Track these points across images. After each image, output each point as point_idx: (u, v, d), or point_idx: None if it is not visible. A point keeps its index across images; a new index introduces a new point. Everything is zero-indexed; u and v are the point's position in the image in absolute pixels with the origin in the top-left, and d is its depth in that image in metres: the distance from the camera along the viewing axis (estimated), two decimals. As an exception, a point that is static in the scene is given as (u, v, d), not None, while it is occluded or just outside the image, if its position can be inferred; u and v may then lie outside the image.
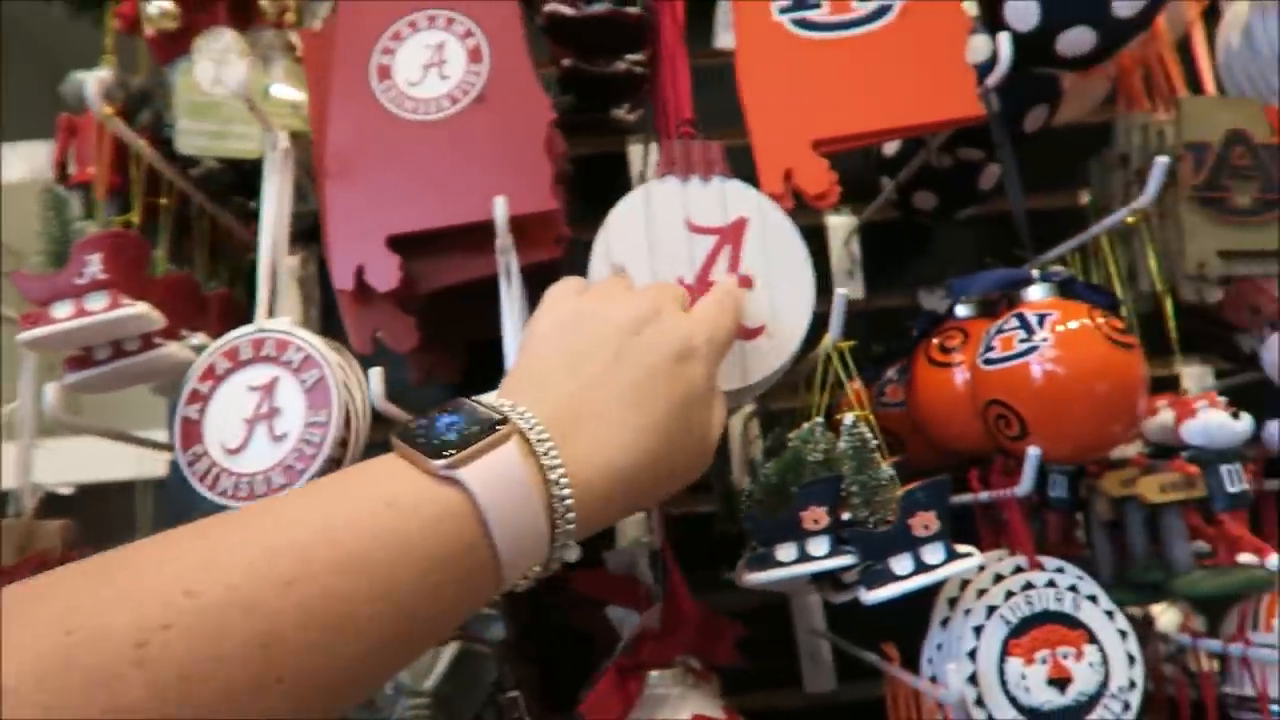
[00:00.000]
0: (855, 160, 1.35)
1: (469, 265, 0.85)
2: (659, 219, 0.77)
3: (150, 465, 1.01)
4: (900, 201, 1.17)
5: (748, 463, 1.21)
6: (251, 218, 1.06)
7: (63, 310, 0.72)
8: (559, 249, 0.88)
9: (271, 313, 0.82)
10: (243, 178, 1.06)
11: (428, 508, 0.39)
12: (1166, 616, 0.98)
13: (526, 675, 0.94)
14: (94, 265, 0.72)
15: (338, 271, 0.82)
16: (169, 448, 0.95)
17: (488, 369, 0.84)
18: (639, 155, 1.30)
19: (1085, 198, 1.24)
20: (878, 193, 1.21)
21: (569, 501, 0.44)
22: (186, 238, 0.96)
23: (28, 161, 1.40)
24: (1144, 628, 0.92)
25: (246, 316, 0.82)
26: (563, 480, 0.44)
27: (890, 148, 1.17)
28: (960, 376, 0.85)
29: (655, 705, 0.71)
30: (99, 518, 0.91)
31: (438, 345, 1.03)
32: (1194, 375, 1.33)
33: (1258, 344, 0.99)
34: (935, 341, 0.88)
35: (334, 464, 0.77)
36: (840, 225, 1.32)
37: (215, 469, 0.76)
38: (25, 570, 0.78)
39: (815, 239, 1.33)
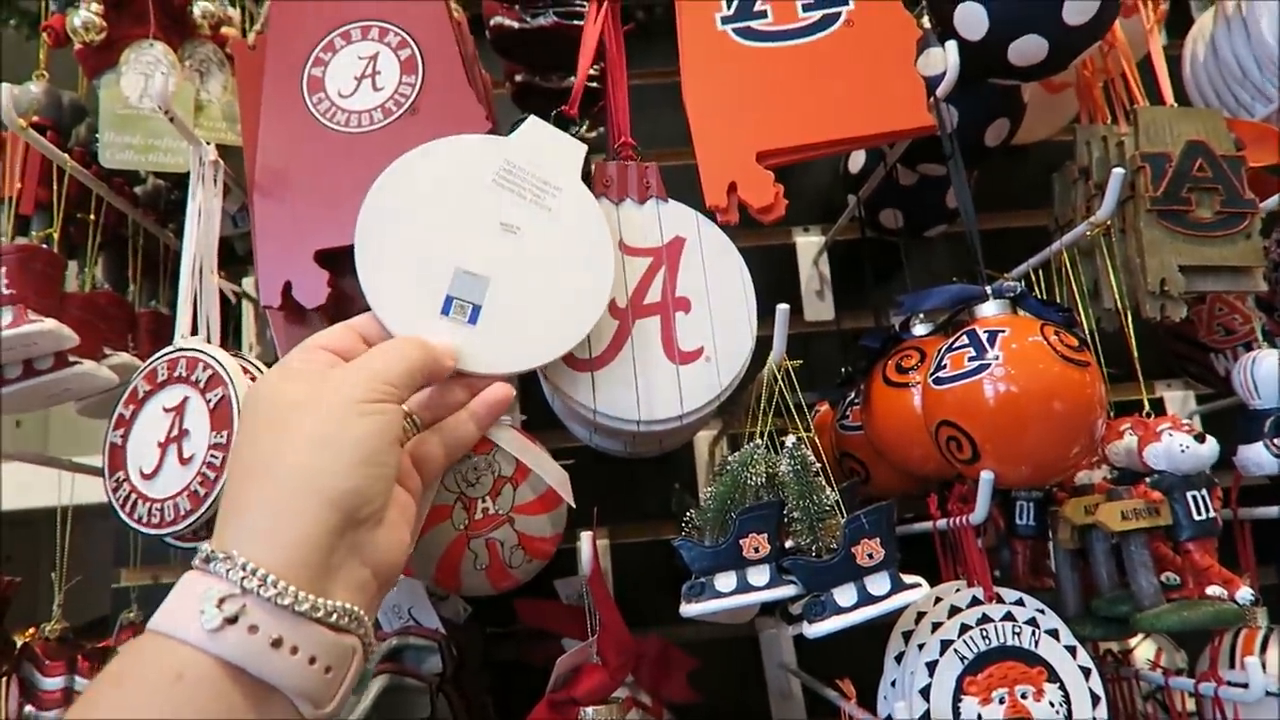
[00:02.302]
0: (825, 178, 1.33)
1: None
2: None
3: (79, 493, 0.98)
4: (868, 220, 1.14)
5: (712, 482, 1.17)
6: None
7: (846, 596, 0.68)
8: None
9: (195, 330, 0.78)
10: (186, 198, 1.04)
11: (206, 676, 0.41)
12: (1140, 650, 0.94)
13: (479, 706, 0.90)
14: (-1, 280, 0.69)
15: (265, 288, 0.79)
16: (92, 470, 0.92)
17: None
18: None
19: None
20: (839, 213, 1.18)
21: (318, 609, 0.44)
22: (121, 255, 0.93)
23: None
24: (1120, 663, 0.87)
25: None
26: (301, 596, 0.43)
27: (855, 164, 1.15)
28: (919, 397, 0.81)
29: (586, 745, 0.67)
30: (22, 547, 0.87)
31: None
32: (1176, 400, 1.29)
33: (1230, 365, 0.95)
34: (892, 361, 0.84)
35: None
36: (809, 245, 1.29)
37: (134, 495, 0.72)
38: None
39: (784, 259, 1.30)
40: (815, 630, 0.65)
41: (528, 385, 1.20)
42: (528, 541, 0.70)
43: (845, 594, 0.65)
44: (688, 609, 0.67)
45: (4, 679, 0.78)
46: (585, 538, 0.67)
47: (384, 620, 0.87)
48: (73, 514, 1.11)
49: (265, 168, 0.80)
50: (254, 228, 0.81)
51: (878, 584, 0.65)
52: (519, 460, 0.70)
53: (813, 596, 0.66)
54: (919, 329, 0.87)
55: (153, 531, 0.71)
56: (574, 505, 0.72)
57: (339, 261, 0.80)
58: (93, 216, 0.85)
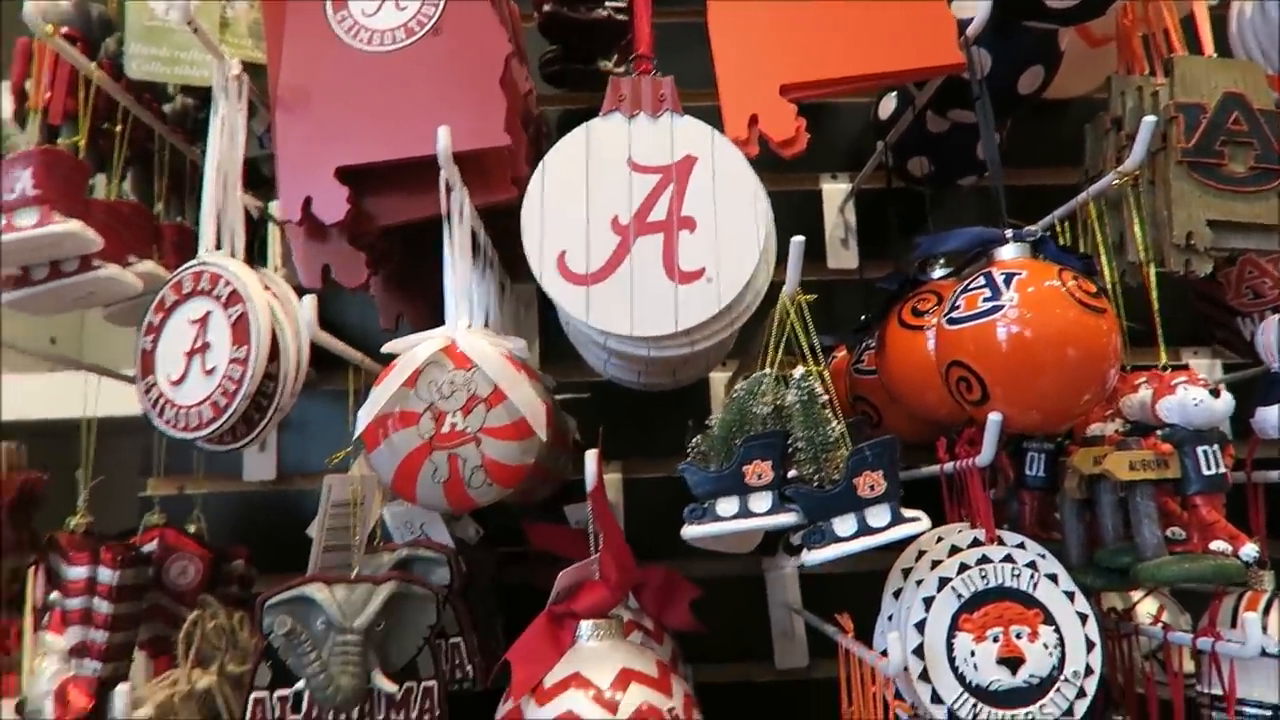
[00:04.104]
0: (855, 125, 1.31)
1: (421, 203, 0.82)
2: (599, 157, 0.74)
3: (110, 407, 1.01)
4: (896, 168, 1.13)
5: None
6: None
7: (845, 525, 0.69)
8: (515, 190, 0.85)
9: (219, 246, 0.79)
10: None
11: None
12: (1142, 608, 0.94)
13: (488, 623, 0.92)
14: (24, 181, 0.71)
15: (285, 202, 0.80)
16: (114, 375, 0.94)
17: None
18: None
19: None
20: (867, 158, 1.16)
21: None
22: (148, 170, 0.94)
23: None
24: (1121, 620, 0.87)
25: None
26: None
27: (886, 110, 1.13)
28: (932, 341, 0.81)
29: (585, 657, 0.68)
30: (56, 458, 0.90)
31: (402, 291, 1.01)
32: (1203, 367, 1.27)
33: (1255, 328, 0.94)
34: (909, 304, 0.84)
35: (263, 399, 0.75)
36: (835, 192, 1.27)
37: (163, 400, 0.74)
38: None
39: (810, 205, 1.28)
40: (813, 558, 0.66)
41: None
42: (491, 465, 0.69)
43: (845, 524, 0.66)
44: (688, 531, 0.68)
45: (32, 568, 0.81)
46: (590, 455, 0.67)
47: (395, 534, 0.89)
48: (103, 427, 1.14)
49: (288, 84, 0.81)
50: (275, 143, 0.81)
51: (878, 516, 0.66)
52: (497, 384, 0.70)
53: (813, 525, 0.67)
54: (937, 273, 0.86)
55: (180, 435, 0.73)
56: (544, 439, 0.72)
57: (359, 179, 0.80)
58: (119, 127, 0.86)
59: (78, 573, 0.79)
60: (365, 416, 0.67)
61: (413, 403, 0.68)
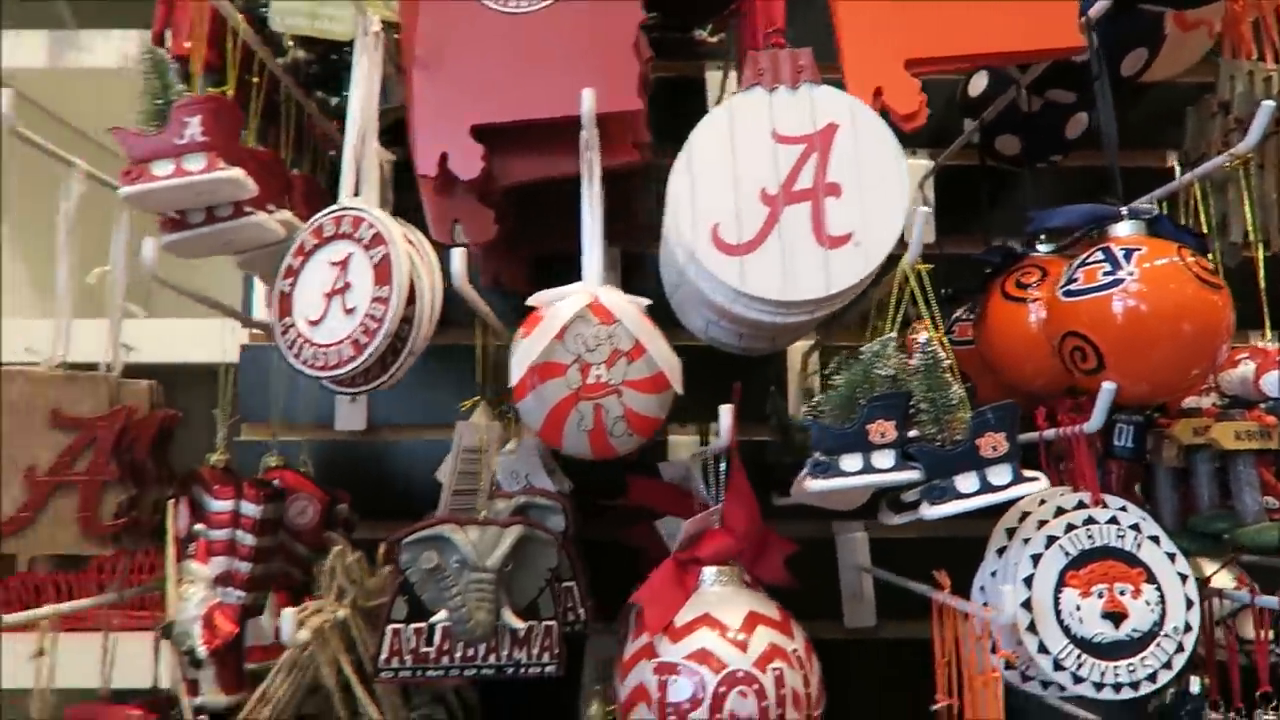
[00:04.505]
0: (937, 101, 1.33)
1: (549, 163, 0.85)
2: (743, 130, 0.77)
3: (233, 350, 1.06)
4: (982, 145, 1.15)
5: (804, 393, 1.21)
6: (330, 114, 1.07)
7: (163, 169, 0.74)
8: (638, 154, 0.88)
9: (357, 192, 0.83)
10: (327, 72, 1.08)
11: None
12: (1218, 580, 0.97)
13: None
14: (194, 127, 0.74)
15: (422, 157, 0.83)
16: (247, 320, 0.98)
17: (553, 281, 0.85)
18: (717, 81, 1.28)
19: (1172, 159, 1.21)
20: (956, 138, 1.19)
21: None
22: (273, 123, 0.98)
23: (118, 48, 1.42)
24: (1203, 585, 0.91)
25: (329, 203, 0.83)
26: None
27: (976, 88, 1.15)
28: (1035, 313, 0.84)
29: (711, 600, 0.72)
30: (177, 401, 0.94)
31: (506, 251, 1.04)
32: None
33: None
34: (1012, 277, 0.87)
35: (398, 341, 0.79)
36: (915, 168, 1.29)
37: (300, 340, 0.78)
38: (118, 419, 0.81)
39: (888, 182, 1.30)
40: (934, 512, 0.70)
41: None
42: (632, 416, 0.73)
43: (967, 481, 0.70)
44: (813, 484, 0.72)
45: (171, 501, 0.85)
46: (725, 410, 0.71)
47: (503, 482, 0.93)
48: (189, 374, 1.18)
49: (426, 42, 0.84)
50: (413, 100, 0.85)
51: (999, 474, 0.69)
52: (638, 339, 0.73)
53: (935, 482, 0.70)
54: (1039, 248, 0.89)
55: (316, 373, 0.77)
56: (680, 392, 0.76)
57: (489, 137, 0.84)
58: (257, 79, 0.89)
59: (222, 506, 0.83)
60: (519, 367, 0.71)
61: (561, 355, 0.71)
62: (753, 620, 0.72)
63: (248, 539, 0.83)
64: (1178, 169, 1.21)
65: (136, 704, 0.85)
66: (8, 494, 0.80)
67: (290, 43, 1.03)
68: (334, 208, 0.80)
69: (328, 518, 0.97)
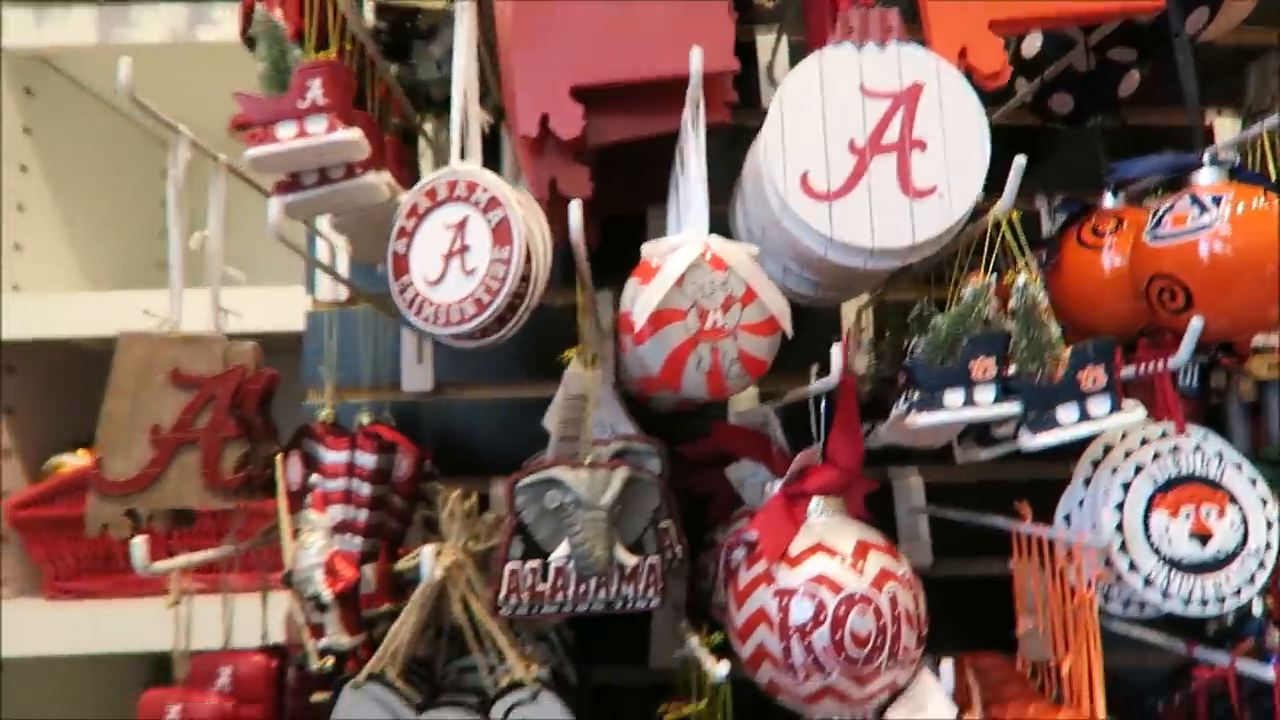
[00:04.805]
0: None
1: (644, 122, 0.89)
2: (832, 84, 0.81)
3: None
4: (1034, 104, 1.18)
5: (858, 345, 1.25)
6: (402, 83, 1.10)
7: (286, 131, 0.77)
8: (727, 114, 0.91)
9: (462, 155, 0.86)
10: (398, 42, 1.10)
11: None
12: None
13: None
14: (315, 90, 0.77)
15: (523, 118, 0.86)
16: (347, 283, 1.01)
17: (624, 241, 0.88)
18: (768, 46, 1.31)
19: (1210, 116, 1.25)
20: (1006, 95, 1.22)
21: None
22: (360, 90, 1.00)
23: (166, 23, 1.43)
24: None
25: (415, 166, 0.85)
26: None
27: (1030, 48, 1.18)
28: (1109, 260, 0.89)
29: (819, 531, 0.77)
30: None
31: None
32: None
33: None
34: (1088, 225, 0.91)
35: (517, 299, 0.82)
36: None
37: (419, 298, 0.81)
38: (232, 378, 0.84)
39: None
40: (1036, 441, 0.74)
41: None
42: (745, 358, 0.77)
43: (1068, 412, 0.74)
44: (917, 419, 0.76)
45: (281, 455, 0.88)
46: (836, 348, 0.75)
47: (594, 430, 0.97)
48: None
49: (526, 4, 0.86)
50: (514, 62, 0.87)
51: (1098, 405, 0.74)
52: (749, 284, 0.77)
53: (1035, 414, 0.74)
54: (1110, 200, 0.93)
55: (439, 329, 0.80)
56: (790, 335, 0.80)
57: (587, 99, 0.86)
58: (349, 46, 0.91)
59: (336, 457, 0.87)
60: (641, 313, 0.74)
61: (679, 301, 0.75)
62: (863, 547, 0.76)
63: (364, 488, 0.86)
64: (1217, 125, 1.26)
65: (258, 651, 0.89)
66: (136, 452, 0.83)
67: (367, 11, 1.05)
68: (445, 171, 0.83)
69: (418, 472, 1.01)
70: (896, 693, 0.76)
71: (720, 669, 0.73)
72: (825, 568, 0.74)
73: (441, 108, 1.06)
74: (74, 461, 1.50)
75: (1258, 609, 0.92)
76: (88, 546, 1.45)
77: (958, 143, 0.78)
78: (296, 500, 0.88)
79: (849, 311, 1.30)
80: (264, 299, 1.24)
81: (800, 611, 0.73)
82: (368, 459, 0.87)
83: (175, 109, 0.86)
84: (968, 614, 1.08)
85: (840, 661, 0.72)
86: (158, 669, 1.52)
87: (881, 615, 0.73)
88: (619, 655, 1.17)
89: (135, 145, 1.77)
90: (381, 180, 0.84)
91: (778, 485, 0.84)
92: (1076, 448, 0.84)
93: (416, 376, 1.27)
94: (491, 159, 0.98)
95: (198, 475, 0.83)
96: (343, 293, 1.28)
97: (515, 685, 0.82)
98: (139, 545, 0.75)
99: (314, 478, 0.87)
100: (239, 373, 0.85)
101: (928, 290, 0.90)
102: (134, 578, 1.23)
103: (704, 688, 0.83)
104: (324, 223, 1.14)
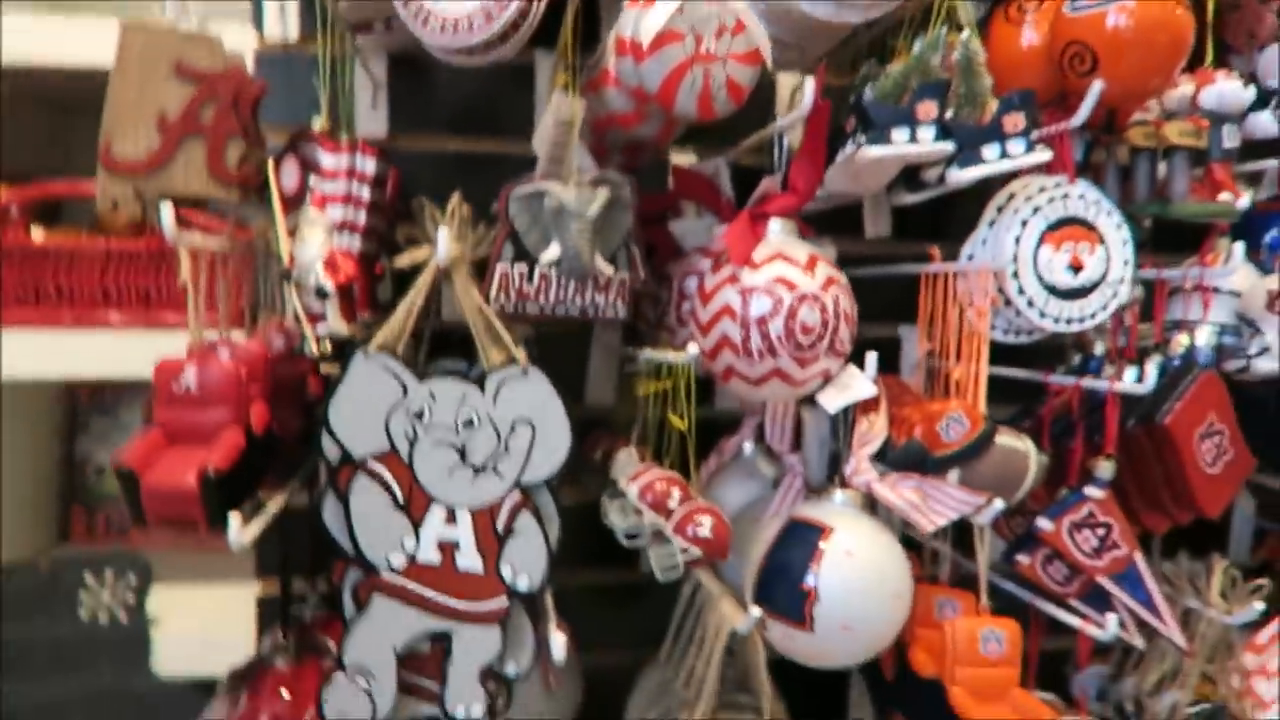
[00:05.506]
0: None
1: None
2: None
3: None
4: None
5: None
6: None
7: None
8: None
9: None
10: None
11: None
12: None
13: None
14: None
15: None
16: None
17: None
18: None
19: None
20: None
21: None
22: None
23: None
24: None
25: None
26: None
27: None
28: (1029, 36, 1.02)
29: (777, 245, 0.90)
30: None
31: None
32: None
33: (1251, 64, 1.19)
34: (1015, 3, 1.03)
35: (520, 16, 0.88)
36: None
37: (425, 11, 0.85)
38: (233, 78, 0.87)
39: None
40: (963, 176, 0.89)
41: None
42: (732, 85, 0.86)
43: (991, 150, 0.88)
44: (870, 151, 0.88)
45: (274, 160, 0.93)
46: (809, 80, 0.85)
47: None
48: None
49: None
50: None
51: (1017, 146, 0.88)
52: (738, 16, 0.85)
53: (965, 153, 0.89)
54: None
55: (447, 40, 0.85)
56: (770, 67, 0.89)
57: None
58: None
59: (337, 160, 0.92)
60: (647, 33, 0.82)
61: (679, 24, 0.83)
62: (813, 259, 0.90)
63: (365, 192, 0.93)
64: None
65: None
66: (142, 137, 0.86)
67: None
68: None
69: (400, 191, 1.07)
70: (828, 380, 0.93)
71: (690, 349, 0.88)
72: (784, 271, 0.88)
73: None
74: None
75: (1099, 349, 1.14)
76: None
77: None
78: (293, 205, 0.93)
79: (784, 90, 1.40)
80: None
81: (760, 305, 0.87)
82: (369, 163, 0.93)
83: None
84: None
85: (789, 346, 0.87)
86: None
87: (826, 311, 0.88)
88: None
89: None
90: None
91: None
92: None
93: (371, 121, 1.30)
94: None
95: (204, 166, 0.88)
96: (293, 31, 1.27)
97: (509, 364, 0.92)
98: (168, 209, 0.81)
99: (313, 179, 0.92)
100: (238, 73, 0.88)
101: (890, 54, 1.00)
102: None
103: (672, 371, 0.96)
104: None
